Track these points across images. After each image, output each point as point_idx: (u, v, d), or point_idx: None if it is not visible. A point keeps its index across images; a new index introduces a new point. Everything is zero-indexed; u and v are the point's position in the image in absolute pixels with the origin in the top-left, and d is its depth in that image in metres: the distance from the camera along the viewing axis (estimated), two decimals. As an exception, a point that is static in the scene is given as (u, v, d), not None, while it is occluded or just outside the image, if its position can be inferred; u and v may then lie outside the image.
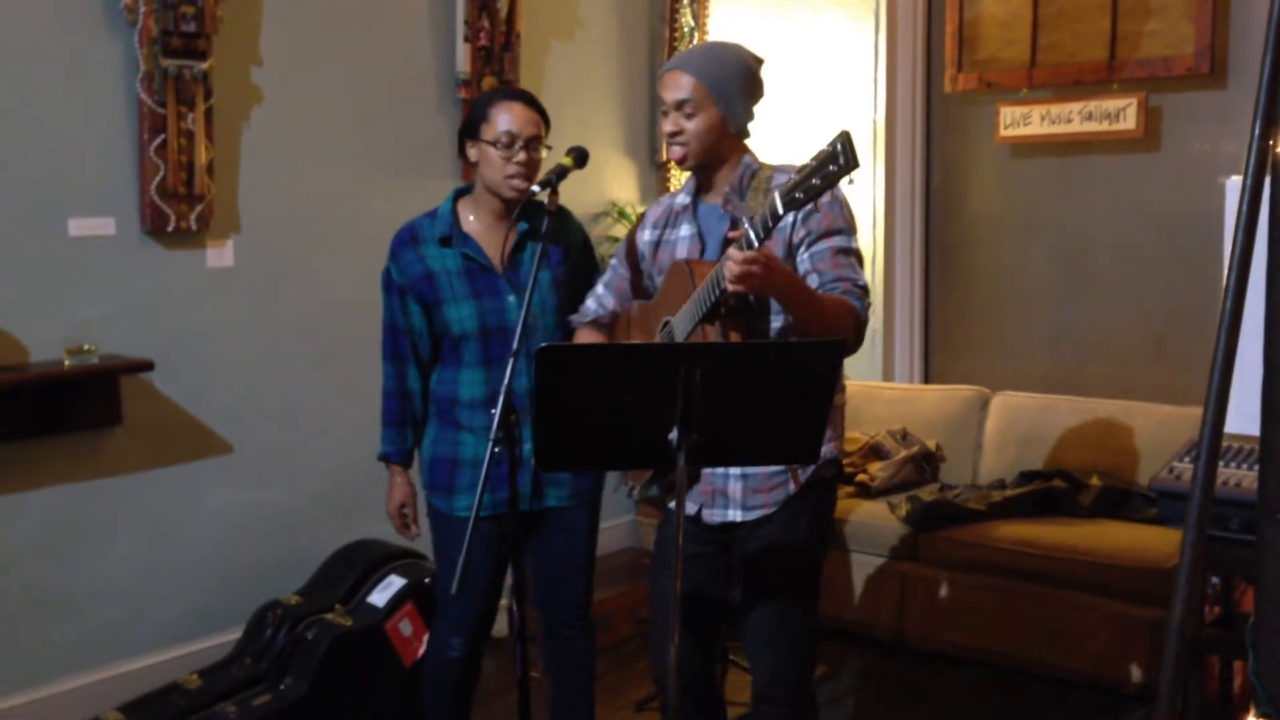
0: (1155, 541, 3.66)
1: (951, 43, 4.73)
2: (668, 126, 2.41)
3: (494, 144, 2.62)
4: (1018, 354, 4.84)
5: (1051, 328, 4.76)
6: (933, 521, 3.97)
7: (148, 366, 3.33)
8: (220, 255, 3.60)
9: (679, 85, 2.39)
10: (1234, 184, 2.22)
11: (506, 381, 2.35)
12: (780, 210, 2.09)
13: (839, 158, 2.00)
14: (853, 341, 2.33)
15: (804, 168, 2.06)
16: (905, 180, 4.88)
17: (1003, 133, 4.62)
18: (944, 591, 3.95)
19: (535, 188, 2.52)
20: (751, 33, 5.07)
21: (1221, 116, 4.24)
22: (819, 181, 2.04)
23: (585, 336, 2.71)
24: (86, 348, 3.21)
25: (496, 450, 2.36)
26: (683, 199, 2.55)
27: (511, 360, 2.38)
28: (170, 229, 3.42)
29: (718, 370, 2.10)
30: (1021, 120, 4.56)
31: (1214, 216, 3.61)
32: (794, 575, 2.50)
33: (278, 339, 3.75)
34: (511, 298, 2.69)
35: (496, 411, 2.35)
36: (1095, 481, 4.01)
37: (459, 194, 2.78)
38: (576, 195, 4.54)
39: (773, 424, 2.25)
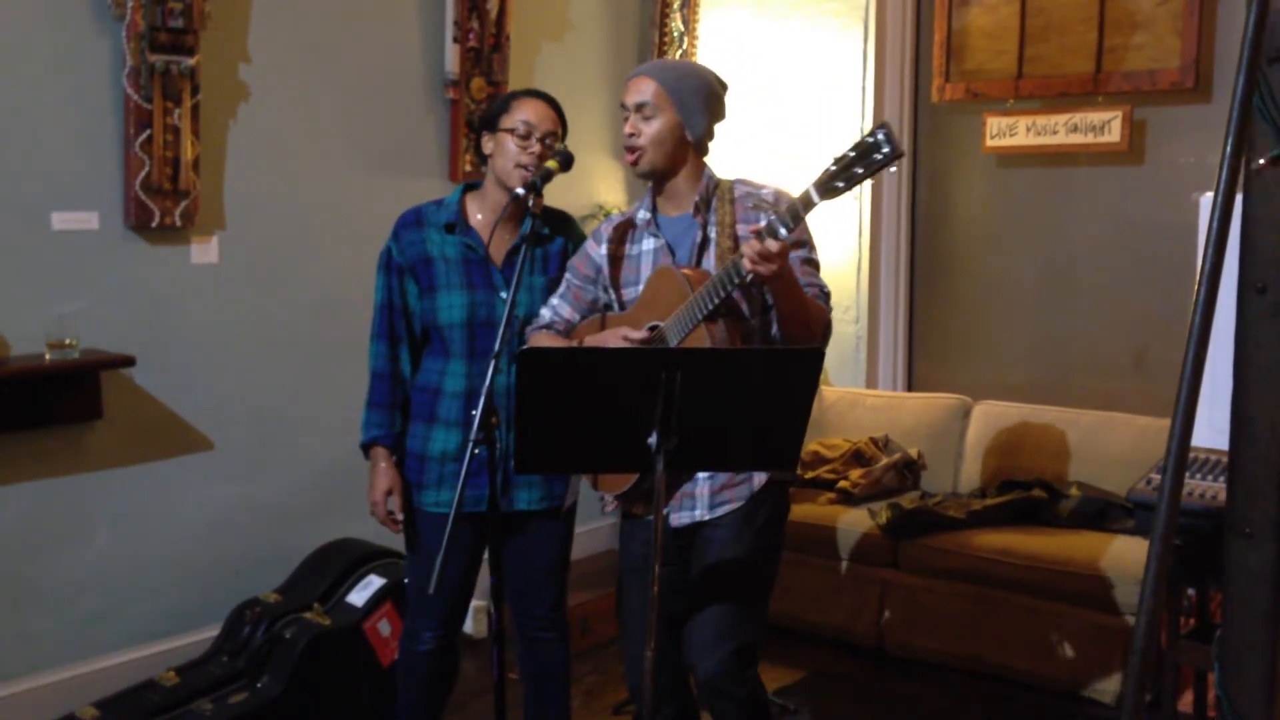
0: (1133, 552, 3.67)
1: (939, 53, 4.75)
2: (626, 129, 2.48)
3: (511, 132, 2.66)
4: (1000, 363, 4.86)
5: (1034, 337, 4.78)
6: (913, 529, 3.98)
7: (129, 362, 3.32)
8: (204, 251, 3.60)
9: (639, 89, 2.46)
10: (1207, 200, 2.24)
11: (488, 381, 2.35)
12: (816, 199, 2.16)
13: (883, 146, 2.07)
14: (822, 345, 2.45)
15: (841, 158, 2.13)
16: (891, 188, 4.90)
17: (989, 143, 4.64)
18: (923, 599, 3.96)
19: (519, 190, 2.53)
20: (740, 39, 5.08)
21: (1206, 130, 4.27)
22: (861, 170, 2.11)
23: (536, 340, 2.68)
24: (68, 342, 3.20)
25: (477, 452, 2.36)
26: (644, 214, 2.57)
27: (493, 360, 2.38)
28: (154, 224, 3.41)
29: (698, 376, 2.12)
30: (1008, 131, 4.59)
31: (1197, 230, 3.64)
32: (752, 570, 2.52)
33: (261, 336, 3.75)
34: (504, 294, 2.71)
35: (477, 412, 2.35)
36: (1074, 491, 4.04)
37: (468, 188, 2.82)
38: (563, 197, 4.53)
39: (752, 430, 2.26)
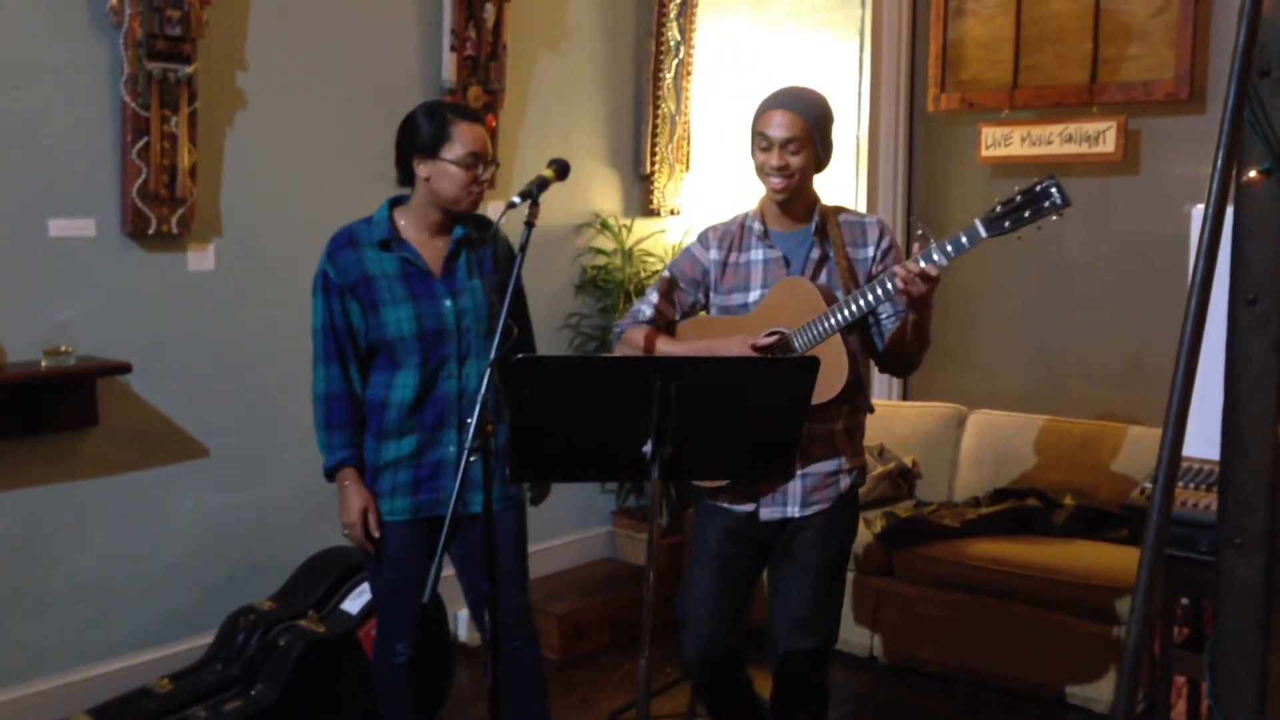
0: (1127, 561, 3.68)
1: (935, 63, 4.77)
2: (774, 161, 2.62)
3: (457, 163, 2.68)
4: (995, 372, 4.87)
5: (1029, 347, 4.79)
6: (907, 538, 3.99)
7: (125, 369, 3.32)
8: (201, 259, 3.60)
9: (786, 124, 2.61)
10: (1198, 212, 2.26)
11: (483, 388, 2.36)
12: (984, 235, 2.37)
13: (1054, 196, 2.30)
14: (920, 364, 2.73)
15: (1010, 200, 2.33)
16: (888, 198, 4.91)
17: (984, 153, 4.66)
18: (918, 608, 3.96)
19: (516, 199, 2.54)
20: (737, 48, 5.10)
21: (1200, 141, 4.28)
22: (1029, 214, 2.32)
23: (645, 337, 2.80)
24: (64, 349, 3.20)
25: (473, 460, 2.37)
26: (756, 225, 2.74)
27: (489, 368, 2.39)
28: (151, 232, 3.42)
29: (693, 385, 2.13)
30: (1003, 141, 4.60)
31: (1190, 240, 3.65)
32: (835, 570, 2.76)
33: (256, 344, 3.75)
34: (448, 302, 2.73)
35: (473, 420, 2.36)
36: (1069, 501, 4.04)
37: (393, 203, 2.81)
38: (560, 206, 4.56)
39: (747, 439, 2.27)
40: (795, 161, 2.61)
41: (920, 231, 2.61)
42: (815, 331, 2.56)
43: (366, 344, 2.76)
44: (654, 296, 2.83)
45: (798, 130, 2.59)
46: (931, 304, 2.50)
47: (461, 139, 2.68)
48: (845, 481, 2.72)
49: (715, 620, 2.75)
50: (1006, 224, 2.32)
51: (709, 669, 2.80)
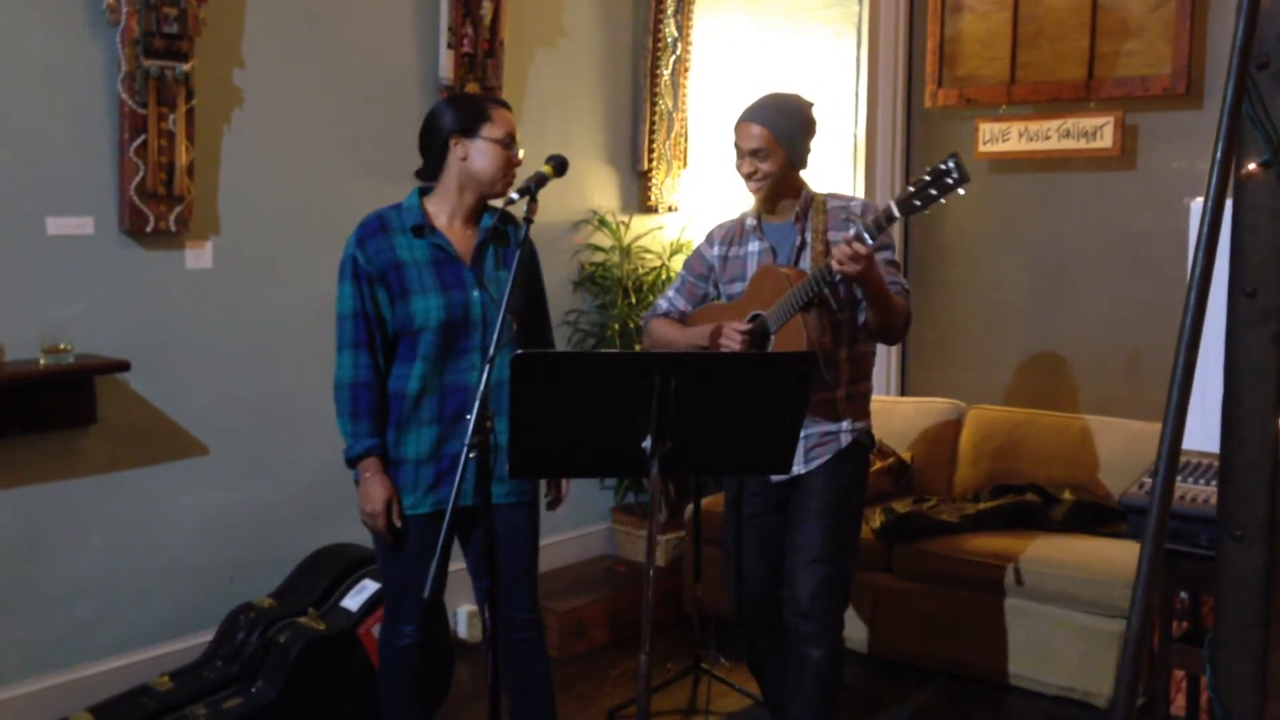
0: (1126, 556, 3.69)
1: (932, 59, 4.77)
2: (745, 169, 2.93)
3: (497, 142, 2.73)
4: (994, 367, 4.88)
5: (1028, 342, 4.79)
6: (906, 533, 3.99)
7: (124, 367, 3.32)
8: (199, 257, 3.60)
9: (755, 135, 2.88)
10: (1197, 205, 2.26)
11: (484, 383, 2.35)
12: (896, 214, 2.56)
13: (953, 173, 2.47)
14: (904, 332, 2.92)
15: (918, 181, 2.52)
16: (885, 193, 4.91)
17: (981, 148, 4.66)
18: (917, 603, 3.97)
19: (514, 195, 2.54)
20: (735, 45, 5.10)
21: (1197, 136, 4.29)
22: (935, 192, 2.50)
23: (660, 326, 3.17)
24: (62, 347, 3.20)
25: (473, 456, 2.37)
26: (750, 221, 3.04)
27: (489, 364, 2.39)
28: (149, 229, 3.42)
29: (693, 380, 2.13)
30: (1000, 136, 4.60)
31: (1188, 235, 3.65)
32: (838, 510, 2.96)
33: (255, 341, 3.75)
34: (476, 292, 2.73)
35: (472, 416, 2.36)
36: (1068, 496, 4.05)
37: (421, 193, 2.82)
38: (558, 202, 4.56)
39: (746, 434, 2.27)
40: (765, 167, 2.89)
41: (845, 219, 2.87)
42: (781, 312, 2.81)
43: (393, 332, 2.76)
44: (670, 291, 3.22)
45: (764, 142, 2.86)
46: (877, 278, 2.70)
47: (499, 119, 2.75)
48: (846, 438, 2.96)
49: (754, 577, 3.08)
50: (916, 203, 2.52)
51: (755, 620, 3.13)
